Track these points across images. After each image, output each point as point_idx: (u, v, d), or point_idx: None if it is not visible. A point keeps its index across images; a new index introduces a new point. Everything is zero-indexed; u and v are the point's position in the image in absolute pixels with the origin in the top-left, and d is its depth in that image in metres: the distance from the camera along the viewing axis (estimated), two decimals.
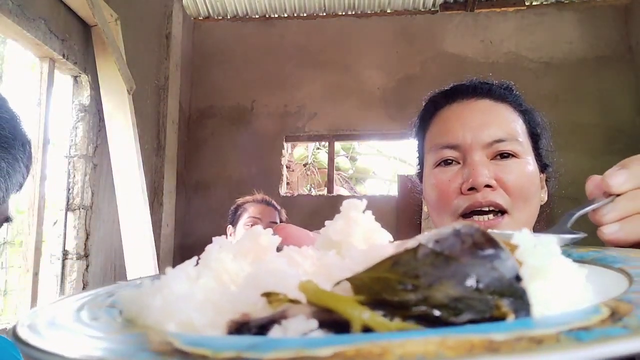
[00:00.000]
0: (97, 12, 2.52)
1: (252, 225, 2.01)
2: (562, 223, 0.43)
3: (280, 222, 2.19)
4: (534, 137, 0.78)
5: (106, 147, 2.69)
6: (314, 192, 5.34)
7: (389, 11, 4.49)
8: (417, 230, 3.96)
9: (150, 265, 2.62)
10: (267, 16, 4.57)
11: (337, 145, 5.10)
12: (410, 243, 0.25)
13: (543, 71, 4.22)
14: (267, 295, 0.25)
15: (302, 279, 0.26)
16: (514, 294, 0.22)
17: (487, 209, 0.70)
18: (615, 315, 0.19)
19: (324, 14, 4.53)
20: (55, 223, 2.53)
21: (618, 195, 0.40)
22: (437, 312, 0.21)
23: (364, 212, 0.35)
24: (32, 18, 2.15)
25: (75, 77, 2.64)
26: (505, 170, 0.71)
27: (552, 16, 4.31)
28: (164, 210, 3.58)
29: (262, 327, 0.23)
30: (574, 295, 0.24)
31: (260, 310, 0.25)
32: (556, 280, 0.23)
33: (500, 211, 0.70)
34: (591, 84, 4.15)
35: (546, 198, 0.79)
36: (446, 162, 0.74)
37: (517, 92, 0.82)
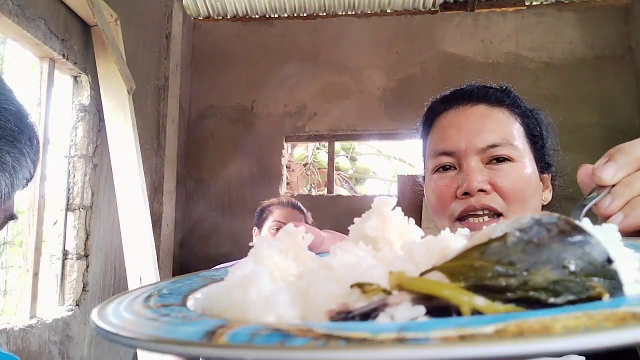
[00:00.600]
0: (97, 12, 2.52)
1: (277, 230, 1.95)
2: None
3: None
4: (534, 139, 0.78)
5: (106, 147, 2.69)
6: (314, 192, 5.34)
7: (389, 11, 4.49)
8: None
9: (150, 265, 2.62)
10: (267, 16, 4.57)
11: (337, 145, 5.10)
12: (486, 233, 0.26)
13: (543, 71, 4.22)
14: (360, 285, 0.25)
15: (377, 270, 0.27)
16: (606, 275, 0.23)
17: (481, 212, 0.72)
18: None
19: (324, 14, 4.53)
20: (55, 223, 2.53)
21: (612, 186, 0.42)
22: (538, 295, 0.23)
23: (393, 209, 0.36)
24: (32, 18, 2.15)
25: (75, 77, 2.64)
26: (500, 174, 0.72)
27: (552, 16, 4.31)
28: (164, 210, 3.58)
29: (365, 316, 0.24)
30: (635, 278, 0.25)
31: (355, 301, 0.25)
32: (622, 264, 0.25)
33: (496, 214, 0.71)
34: (591, 84, 4.15)
35: (550, 198, 0.79)
36: (444, 168, 0.77)
37: (515, 95, 0.82)
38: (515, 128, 0.77)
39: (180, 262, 3.99)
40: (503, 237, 0.25)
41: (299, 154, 5.60)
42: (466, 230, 0.35)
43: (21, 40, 2.19)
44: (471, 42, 4.34)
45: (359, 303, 0.25)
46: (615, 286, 0.23)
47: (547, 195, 0.79)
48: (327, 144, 4.61)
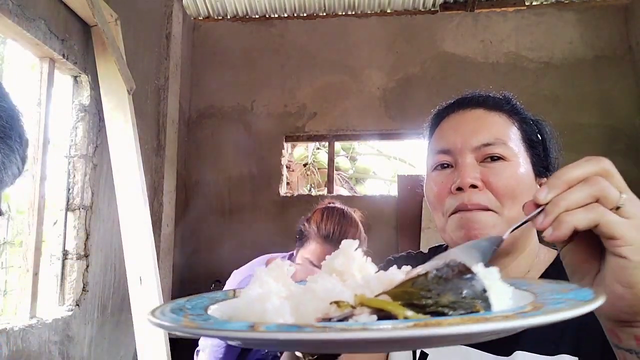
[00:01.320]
0: (97, 12, 2.52)
1: (310, 263, 1.63)
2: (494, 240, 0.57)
3: None
4: (531, 143, 0.82)
5: (106, 147, 2.68)
6: (314, 192, 5.34)
7: (389, 11, 4.49)
8: (417, 229, 3.96)
9: (150, 265, 2.61)
10: (267, 16, 4.57)
11: (337, 145, 5.10)
12: (417, 271, 0.42)
13: (543, 71, 4.22)
14: (337, 302, 0.40)
15: (346, 293, 0.41)
16: (483, 299, 0.39)
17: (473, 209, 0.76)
18: (535, 308, 0.37)
19: (324, 14, 4.52)
20: (55, 223, 2.53)
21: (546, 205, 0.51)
22: (443, 310, 0.37)
23: (356, 249, 0.50)
24: (32, 18, 2.15)
25: (75, 77, 2.63)
26: (492, 172, 0.76)
27: (552, 16, 4.31)
28: (164, 210, 3.58)
29: (340, 321, 0.37)
30: (507, 301, 0.41)
31: (333, 312, 0.39)
32: (497, 293, 0.40)
33: (487, 210, 0.76)
34: (591, 84, 4.15)
35: None
36: (442, 166, 0.81)
37: (517, 104, 0.86)
38: (511, 131, 0.81)
39: (180, 262, 3.99)
40: (426, 274, 0.40)
41: (299, 154, 5.60)
42: (408, 267, 0.47)
43: (21, 40, 2.19)
44: (471, 42, 4.34)
45: (336, 313, 0.39)
46: (487, 305, 0.38)
47: None
48: (327, 144, 4.61)
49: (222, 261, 4.05)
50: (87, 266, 2.61)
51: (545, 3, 4.35)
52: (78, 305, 2.53)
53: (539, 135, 0.84)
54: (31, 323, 2.13)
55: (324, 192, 4.75)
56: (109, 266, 2.83)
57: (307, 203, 4.30)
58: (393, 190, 4.91)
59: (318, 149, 5.80)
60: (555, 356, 0.68)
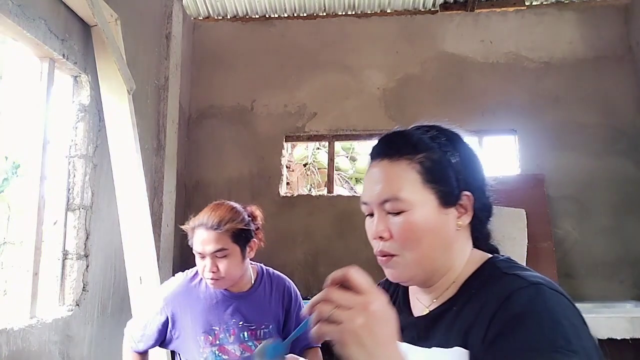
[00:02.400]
0: (97, 12, 2.52)
1: (202, 258, 1.73)
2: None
3: (243, 249, 1.77)
4: (435, 181, 0.88)
5: (106, 147, 2.68)
6: (314, 192, 5.34)
7: (389, 11, 4.49)
8: None
9: (151, 265, 2.61)
10: (267, 16, 4.57)
11: (337, 145, 5.10)
12: None
13: (543, 71, 4.22)
14: None
15: None
16: None
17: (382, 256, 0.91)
18: None
19: (324, 14, 4.52)
20: (55, 223, 2.52)
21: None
22: None
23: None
24: (32, 18, 2.15)
25: (75, 77, 2.63)
26: (392, 224, 0.88)
27: (552, 16, 4.31)
28: (164, 210, 3.58)
29: None
30: None
31: None
32: None
33: (391, 255, 0.89)
34: (591, 84, 4.14)
35: (469, 220, 0.91)
36: (368, 215, 0.93)
37: (419, 138, 0.91)
38: (409, 179, 0.88)
39: (180, 262, 3.99)
40: None
41: (299, 154, 5.60)
42: None
43: (21, 40, 2.19)
44: (471, 42, 4.34)
45: None
46: None
47: (464, 220, 0.90)
48: (327, 144, 4.60)
49: None
50: (87, 266, 2.61)
51: (545, 3, 4.35)
52: (78, 305, 2.52)
53: (452, 159, 0.90)
54: (31, 323, 2.13)
55: (324, 192, 4.75)
56: (109, 266, 2.83)
57: (307, 203, 4.31)
58: None
59: (318, 149, 5.80)
60: (451, 348, 0.82)
